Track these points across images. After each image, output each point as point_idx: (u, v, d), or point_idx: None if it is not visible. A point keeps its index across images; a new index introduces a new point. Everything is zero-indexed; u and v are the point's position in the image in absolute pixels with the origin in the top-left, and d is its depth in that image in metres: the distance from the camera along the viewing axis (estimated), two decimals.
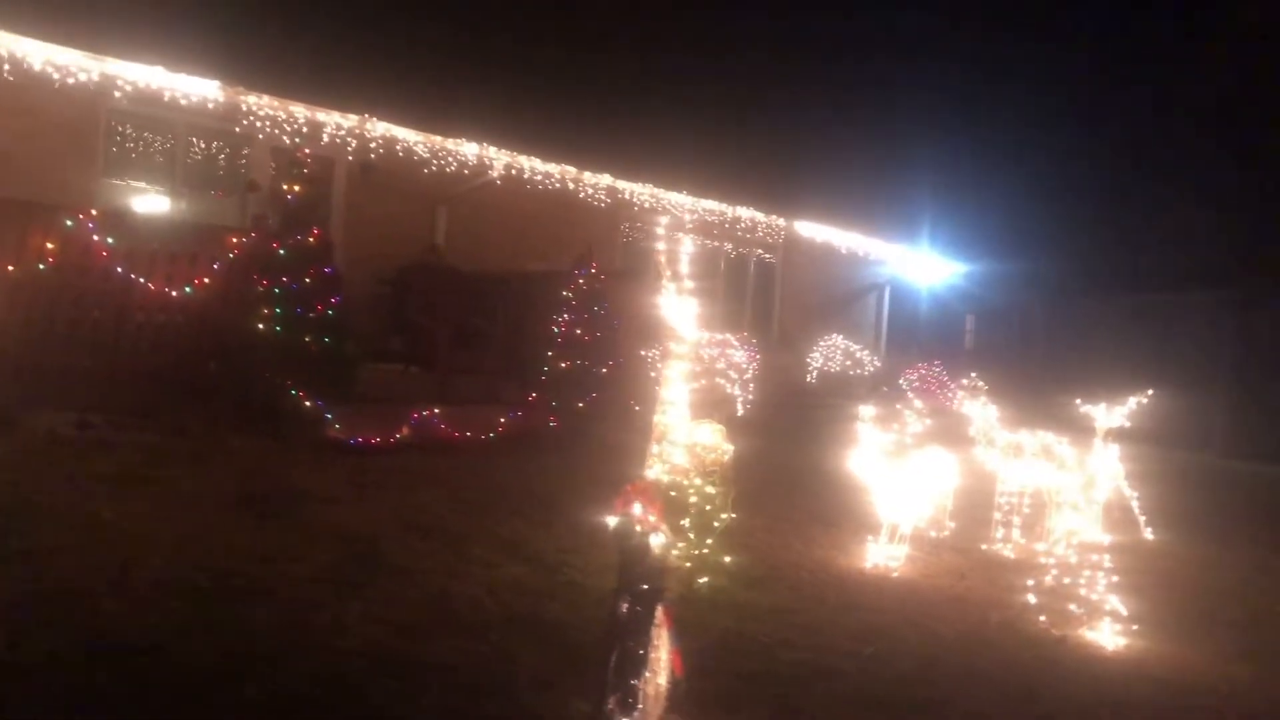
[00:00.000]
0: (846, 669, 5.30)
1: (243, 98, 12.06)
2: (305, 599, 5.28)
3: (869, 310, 23.07)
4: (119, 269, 8.37)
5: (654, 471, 5.94)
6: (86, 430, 8.02)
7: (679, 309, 5.89)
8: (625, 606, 4.27)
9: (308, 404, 8.66)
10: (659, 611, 4.32)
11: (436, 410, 10.15)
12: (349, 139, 13.17)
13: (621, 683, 4.18)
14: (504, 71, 15.24)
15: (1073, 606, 6.48)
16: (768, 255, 20.26)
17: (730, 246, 19.46)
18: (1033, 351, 24.63)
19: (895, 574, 7.28)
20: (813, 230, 20.29)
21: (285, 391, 8.59)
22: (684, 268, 5.90)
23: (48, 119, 10.98)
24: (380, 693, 4.34)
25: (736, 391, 14.15)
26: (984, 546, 8.36)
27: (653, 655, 4.31)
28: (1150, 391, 9.59)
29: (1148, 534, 9.57)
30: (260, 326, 8.70)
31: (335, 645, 4.77)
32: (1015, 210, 26.22)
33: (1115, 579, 6.78)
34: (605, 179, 16.17)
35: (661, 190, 17.21)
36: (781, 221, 19.67)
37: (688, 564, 6.09)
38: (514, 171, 14.90)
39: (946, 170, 27.02)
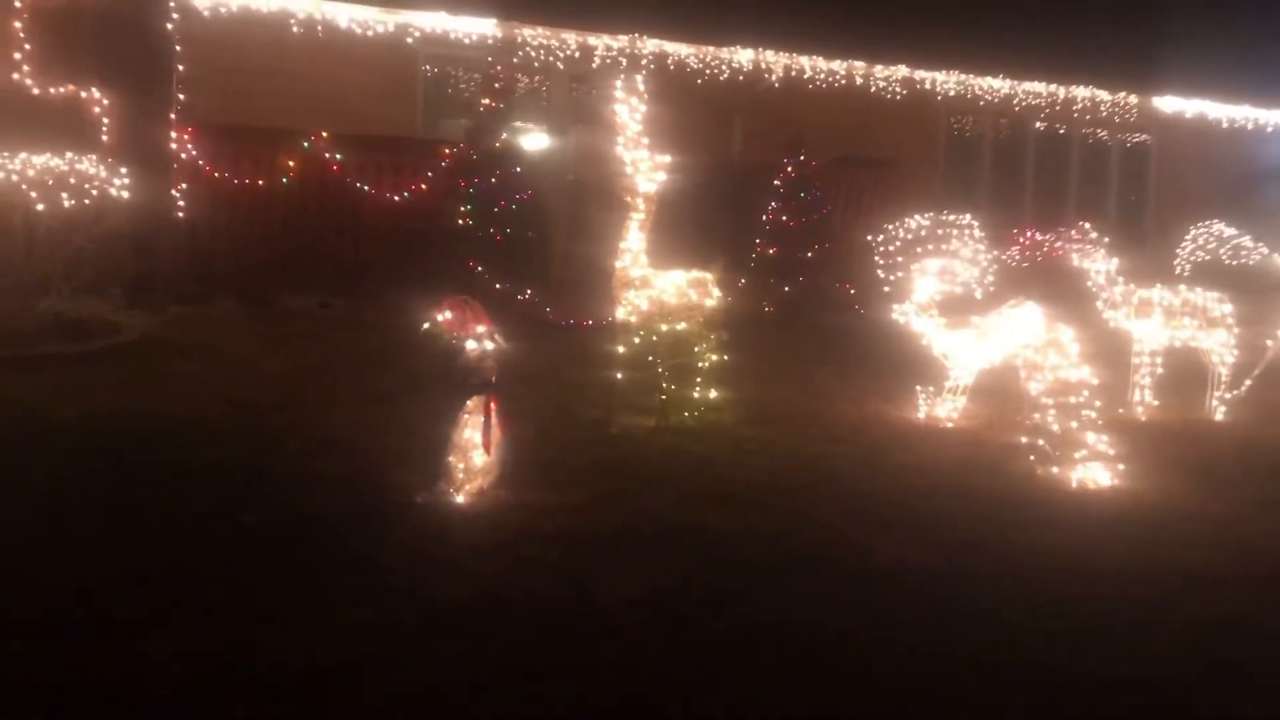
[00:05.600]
0: (735, 478, 5.70)
1: (518, 30, 13.72)
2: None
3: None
4: (349, 180, 10.39)
5: (620, 313, 6.61)
6: (328, 308, 10.18)
7: (635, 163, 6.44)
8: (446, 400, 5.22)
9: (497, 286, 10.13)
10: (481, 403, 5.19)
11: None
12: (620, 59, 14.37)
13: (439, 461, 5.15)
14: None
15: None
16: (1141, 137, 18.59)
17: (1088, 132, 18.13)
18: None
19: (950, 425, 7.24)
20: (1180, 105, 18.25)
21: (477, 274, 10.13)
22: (638, 124, 6.42)
23: (374, 68, 13.24)
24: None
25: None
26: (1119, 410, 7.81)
27: (476, 440, 5.20)
28: None
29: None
30: (459, 221, 10.33)
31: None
32: None
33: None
34: (900, 70, 15.97)
35: (971, 76, 16.55)
36: (1134, 99, 17.92)
37: (663, 397, 6.71)
38: (794, 73, 15.26)
39: None
